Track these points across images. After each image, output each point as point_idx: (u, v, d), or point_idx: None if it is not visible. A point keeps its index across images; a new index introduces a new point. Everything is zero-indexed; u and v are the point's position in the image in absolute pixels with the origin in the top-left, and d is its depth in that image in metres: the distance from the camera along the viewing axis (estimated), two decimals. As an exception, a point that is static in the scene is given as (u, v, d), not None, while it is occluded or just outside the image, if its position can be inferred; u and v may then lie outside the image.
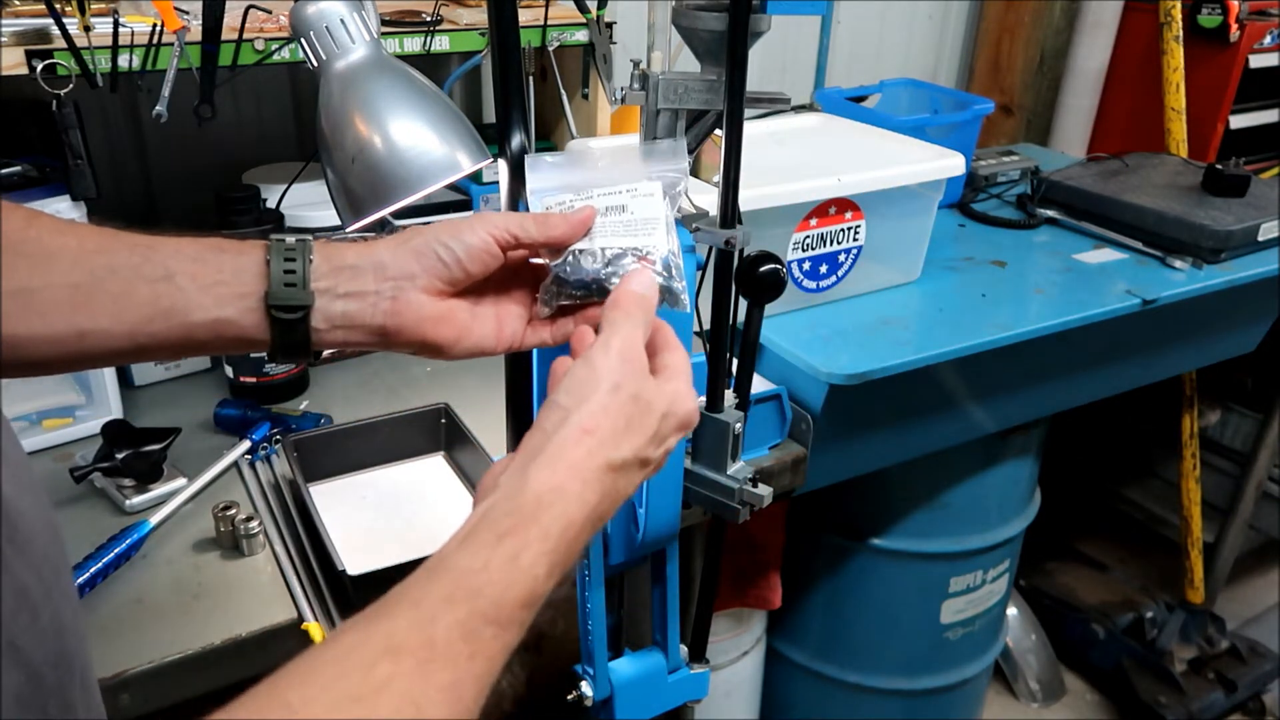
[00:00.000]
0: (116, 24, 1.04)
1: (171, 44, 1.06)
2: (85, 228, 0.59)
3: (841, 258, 1.31)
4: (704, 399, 0.85)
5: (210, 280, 0.59)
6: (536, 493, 0.53)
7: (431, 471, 1.11)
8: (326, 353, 1.33)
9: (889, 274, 1.38)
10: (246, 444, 1.10)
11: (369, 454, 1.10)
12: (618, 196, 0.70)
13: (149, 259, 0.58)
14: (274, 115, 1.57)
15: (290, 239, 0.62)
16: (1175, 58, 2.00)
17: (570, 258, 0.69)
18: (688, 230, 0.80)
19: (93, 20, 1.02)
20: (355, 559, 0.89)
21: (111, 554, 0.91)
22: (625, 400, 0.57)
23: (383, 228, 1.34)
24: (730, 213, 0.77)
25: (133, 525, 0.95)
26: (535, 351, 0.94)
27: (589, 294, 0.69)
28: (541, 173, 0.73)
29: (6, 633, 0.40)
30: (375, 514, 1.03)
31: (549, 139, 1.57)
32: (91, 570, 0.89)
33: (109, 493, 1.02)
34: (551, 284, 0.69)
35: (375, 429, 1.10)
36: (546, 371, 0.95)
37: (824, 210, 1.25)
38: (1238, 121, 2.16)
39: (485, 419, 1.11)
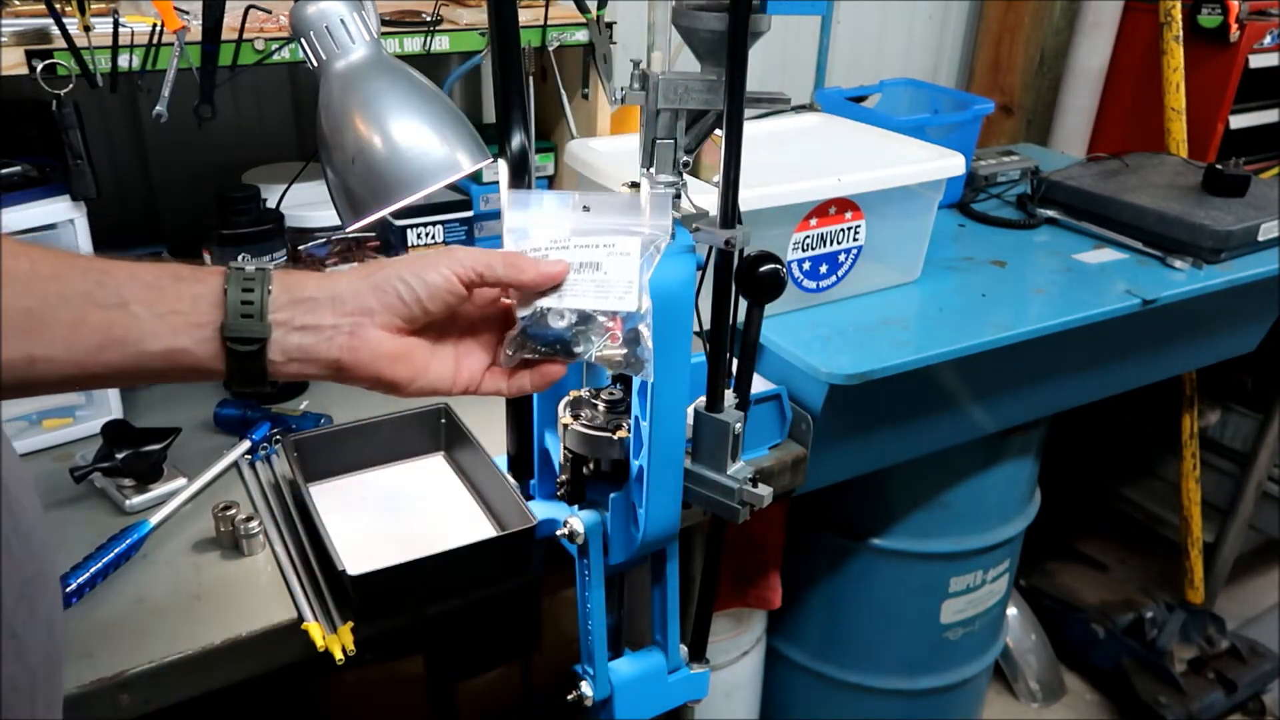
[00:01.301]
0: (116, 24, 1.04)
1: (171, 44, 1.06)
2: (39, 250, 0.57)
3: (841, 258, 1.31)
4: (704, 399, 0.85)
5: (166, 308, 0.58)
6: None
7: (431, 471, 1.11)
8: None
9: (889, 274, 1.38)
10: (246, 444, 1.10)
11: (369, 454, 1.10)
12: (594, 251, 0.70)
13: (102, 285, 0.57)
14: (274, 115, 1.57)
15: (250, 267, 0.61)
16: (1175, 58, 2.00)
17: (539, 314, 0.69)
18: (688, 230, 0.80)
19: (93, 20, 1.02)
20: (355, 559, 0.89)
21: (111, 554, 0.91)
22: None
23: (384, 227, 1.34)
24: (730, 213, 0.77)
25: (133, 525, 0.95)
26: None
27: (553, 352, 0.70)
28: (521, 210, 0.72)
29: (10, 624, 0.40)
30: (375, 514, 1.03)
31: (549, 139, 1.57)
32: (91, 570, 0.89)
33: (109, 493, 1.02)
34: (518, 336, 0.70)
35: (375, 429, 1.10)
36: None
37: (824, 210, 1.25)
38: (1238, 121, 2.16)
39: (485, 419, 1.11)
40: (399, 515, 1.03)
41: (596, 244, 0.71)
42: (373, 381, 0.66)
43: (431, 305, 0.65)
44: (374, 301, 0.64)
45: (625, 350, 0.70)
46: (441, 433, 1.12)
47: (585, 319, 0.70)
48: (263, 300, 0.60)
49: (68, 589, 0.87)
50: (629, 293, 0.70)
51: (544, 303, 0.69)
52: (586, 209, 0.72)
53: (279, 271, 0.62)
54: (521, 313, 0.70)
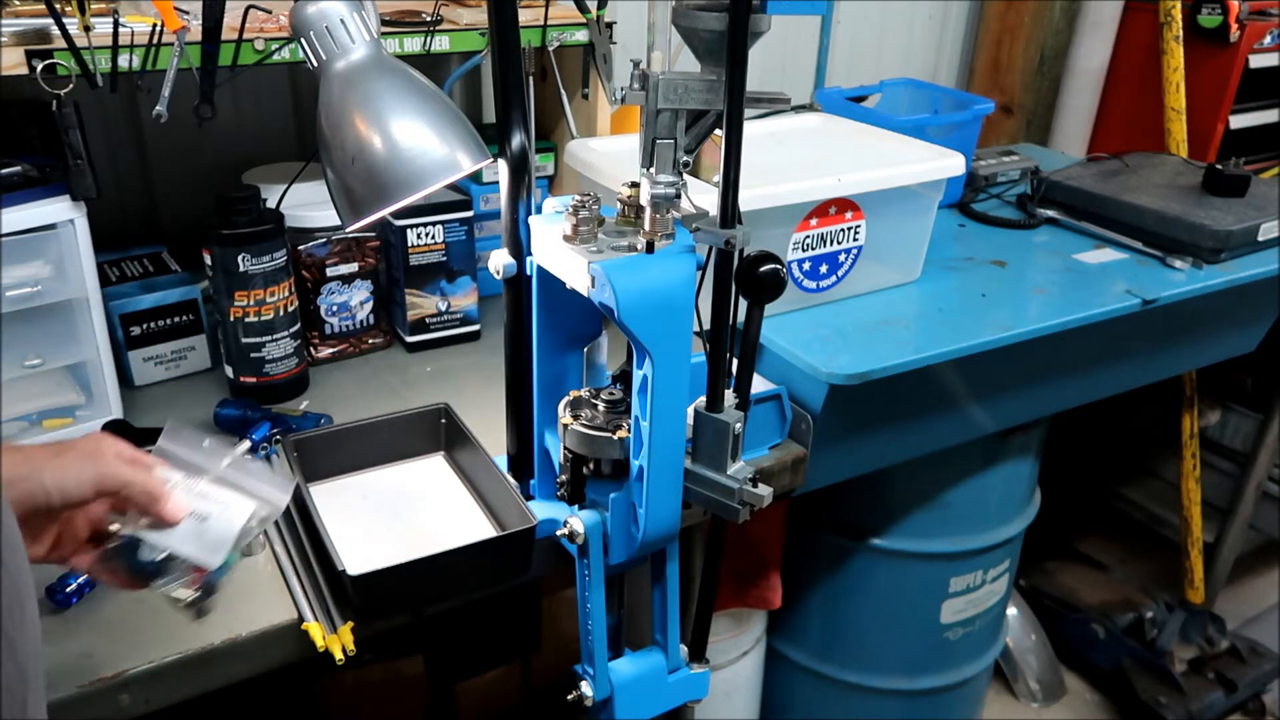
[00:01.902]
0: (116, 24, 1.04)
1: (171, 44, 1.06)
2: None
3: (841, 258, 1.31)
4: (704, 399, 0.85)
5: None
6: None
7: (431, 471, 1.11)
8: (327, 351, 1.33)
9: (889, 274, 1.38)
10: (246, 444, 1.09)
11: (369, 454, 1.10)
12: (209, 503, 0.76)
13: None
14: (274, 115, 1.57)
15: None
16: (1175, 58, 2.00)
17: (134, 541, 0.74)
18: (688, 230, 0.80)
19: (93, 20, 1.02)
20: (355, 559, 0.89)
21: (111, 554, 0.91)
22: None
23: (384, 227, 1.34)
24: (730, 213, 0.77)
25: (133, 525, 0.95)
26: (536, 352, 0.94)
27: (133, 576, 0.75)
28: (171, 442, 0.79)
29: (5, 627, 0.41)
30: (375, 514, 1.03)
31: (549, 139, 1.57)
32: (91, 570, 0.89)
33: (109, 493, 1.02)
34: (108, 557, 0.74)
35: (375, 429, 1.10)
36: (546, 373, 0.95)
37: (824, 210, 1.25)
38: (1238, 121, 2.16)
39: (485, 419, 1.11)
40: (399, 515, 1.03)
41: (215, 498, 0.77)
42: None
43: (56, 505, 0.68)
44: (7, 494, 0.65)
45: (196, 596, 0.76)
46: (441, 433, 1.13)
47: (174, 562, 0.75)
48: None
49: (68, 589, 0.87)
50: (219, 551, 0.76)
51: (143, 533, 0.75)
52: (228, 463, 0.79)
53: None
54: (121, 532, 0.74)
